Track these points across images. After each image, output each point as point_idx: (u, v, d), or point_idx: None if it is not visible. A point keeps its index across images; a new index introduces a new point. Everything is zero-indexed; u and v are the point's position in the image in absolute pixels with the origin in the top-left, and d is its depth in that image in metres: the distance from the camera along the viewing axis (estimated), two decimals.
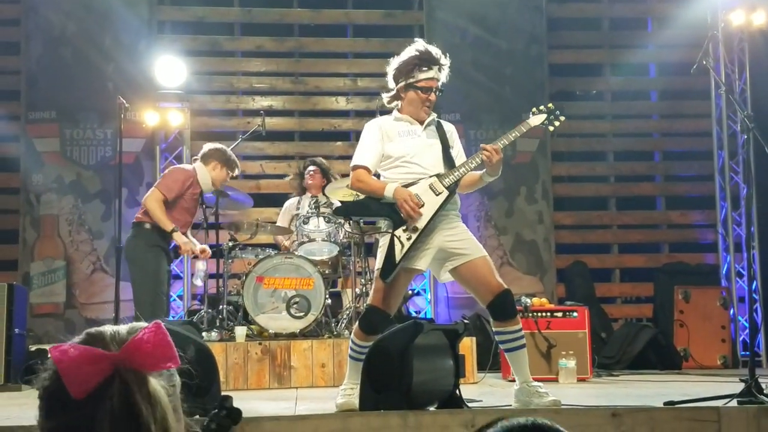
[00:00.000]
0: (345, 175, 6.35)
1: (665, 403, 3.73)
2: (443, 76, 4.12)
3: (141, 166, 8.07)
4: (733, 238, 8.55)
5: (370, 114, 7.40)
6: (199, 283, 6.35)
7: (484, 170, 4.02)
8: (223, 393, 3.34)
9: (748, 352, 7.40)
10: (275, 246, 7.03)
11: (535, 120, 4.22)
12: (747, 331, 8.03)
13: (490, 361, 5.88)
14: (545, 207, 8.50)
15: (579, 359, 5.78)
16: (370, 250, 6.13)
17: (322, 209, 6.49)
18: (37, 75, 8.15)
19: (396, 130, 4.10)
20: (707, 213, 8.85)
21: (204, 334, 5.74)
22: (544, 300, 6.35)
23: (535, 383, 3.92)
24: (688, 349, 7.38)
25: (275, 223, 7.09)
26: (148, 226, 5.72)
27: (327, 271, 6.35)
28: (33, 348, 6.26)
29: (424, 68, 4.05)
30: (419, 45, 4.12)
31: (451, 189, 3.97)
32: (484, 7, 8.59)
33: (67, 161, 8.06)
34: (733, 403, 3.71)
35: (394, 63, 4.14)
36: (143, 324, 1.17)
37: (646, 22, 9.23)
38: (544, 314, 6.01)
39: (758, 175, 6.41)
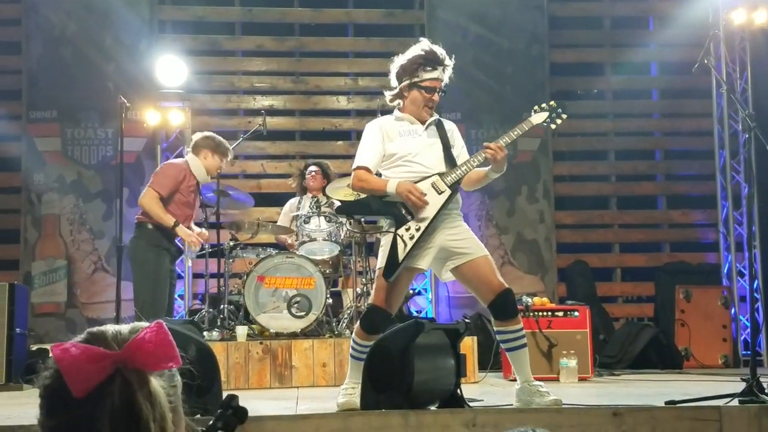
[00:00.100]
0: (345, 175, 6.35)
1: (666, 403, 3.73)
2: (447, 76, 4.11)
3: (142, 166, 8.07)
4: (734, 237, 8.55)
5: (370, 113, 7.41)
6: (195, 249, 6.21)
7: (490, 167, 4.01)
8: (228, 392, 3.34)
9: (749, 352, 7.37)
10: (276, 245, 7.03)
11: (537, 118, 4.20)
12: (748, 330, 8.02)
13: (491, 360, 5.88)
14: (546, 206, 8.50)
15: (580, 358, 5.78)
16: (371, 249, 6.13)
17: (323, 209, 6.49)
18: (38, 74, 8.15)
19: (397, 129, 4.09)
20: (708, 212, 8.84)
21: (205, 333, 5.74)
22: (545, 299, 6.35)
23: (537, 382, 3.92)
24: (690, 348, 7.38)
25: (276, 222, 7.09)
26: (150, 226, 5.72)
27: (328, 271, 6.35)
28: (34, 347, 6.27)
29: (428, 68, 4.04)
30: (424, 44, 4.10)
31: (454, 187, 3.97)
32: (485, 6, 8.59)
33: (68, 161, 8.07)
34: (735, 402, 3.71)
35: (398, 61, 4.11)
36: (145, 323, 1.17)
37: (647, 21, 9.22)
38: (545, 314, 6.01)
39: (759, 174, 6.41)
